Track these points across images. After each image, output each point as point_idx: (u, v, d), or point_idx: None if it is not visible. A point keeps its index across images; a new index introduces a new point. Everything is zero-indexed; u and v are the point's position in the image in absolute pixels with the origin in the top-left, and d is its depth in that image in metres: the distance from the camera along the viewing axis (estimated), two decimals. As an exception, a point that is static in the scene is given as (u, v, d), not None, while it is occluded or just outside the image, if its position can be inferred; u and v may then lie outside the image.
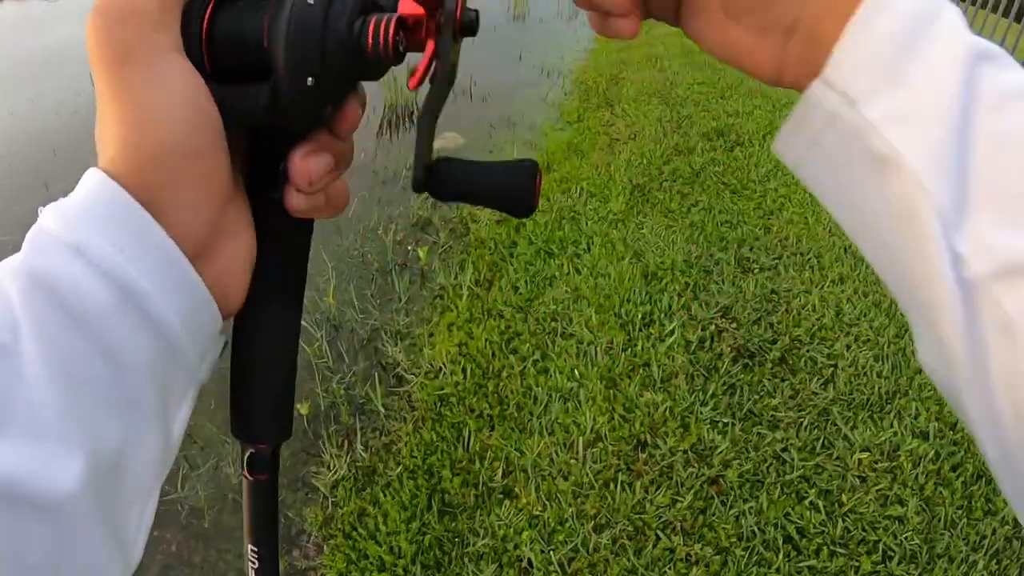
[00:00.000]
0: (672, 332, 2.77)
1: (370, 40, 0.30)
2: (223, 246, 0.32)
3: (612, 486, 2.21)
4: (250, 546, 0.40)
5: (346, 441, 2.57)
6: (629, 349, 2.71)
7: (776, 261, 3.26)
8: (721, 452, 2.29)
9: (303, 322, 2.86)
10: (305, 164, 0.33)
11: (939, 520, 2.05)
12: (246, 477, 0.38)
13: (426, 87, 0.34)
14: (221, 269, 0.31)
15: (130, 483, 0.28)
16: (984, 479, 2.18)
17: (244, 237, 0.33)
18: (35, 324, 0.25)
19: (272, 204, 0.34)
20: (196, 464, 2.50)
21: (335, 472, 2.43)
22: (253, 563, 0.39)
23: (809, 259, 3.29)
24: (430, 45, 0.33)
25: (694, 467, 2.26)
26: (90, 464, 0.25)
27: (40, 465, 0.23)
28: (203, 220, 0.30)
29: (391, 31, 0.30)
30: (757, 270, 3.19)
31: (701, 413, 2.46)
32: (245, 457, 0.38)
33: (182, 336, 0.29)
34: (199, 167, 0.29)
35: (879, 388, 2.60)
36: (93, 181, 0.27)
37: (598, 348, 2.71)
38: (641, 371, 2.61)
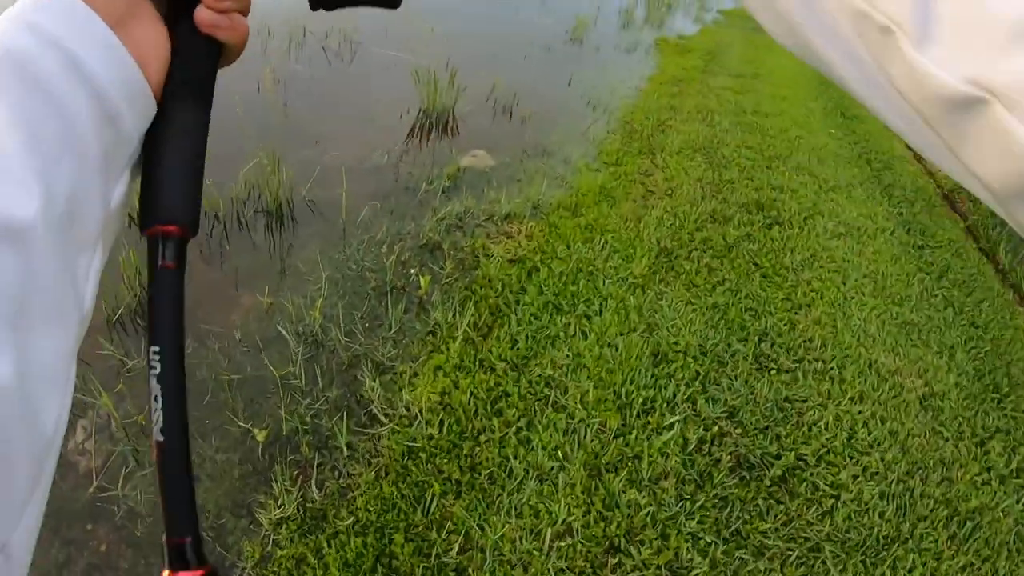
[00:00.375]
0: (672, 426, 2.56)
1: None
2: (136, 27, 0.38)
3: (573, 597, 1.99)
4: (152, 348, 0.39)
5: (300, 477, 2.36)
6: (622, 437, 2.49)
7: (796, 364, 3.04)
8: (697, 575, 2.08)
9: (282, 330, 2.61)
10: None
11: None
12: (154, 268, 0.40)
13: None
14: (138, 41, 0.38)
15: (77, 230, 0.34)
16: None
17: (156, 27, 0.40)
18: (20, 92, 0.32)
19: (188, 21, 0.42)
20: (143, 463, 2.31)
21: (282, 508, 2.23)
22: (154, 368, 0.39)
23: (831, 368, 3.06)
24: None
25: (666, 592, 2.04)
26: (45, 202, 0.31)
27: (5, 198, 0.29)
28: (117, 3, 0.37)
29: None
30: (774, 371, 2.97)
31: (685, 525, 2.24)
32: (158, 248, 0.40)
33: (117, 100, 0.36)
34: None
35: (879, 531, 2.39)
36: None
37: (589, 428, 2.49)
38: (630, 465, 2.39)
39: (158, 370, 0.38)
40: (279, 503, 2.23)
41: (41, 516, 0.33)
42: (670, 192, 4.58)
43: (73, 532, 2.16)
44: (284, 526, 2.17)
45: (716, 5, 13.84)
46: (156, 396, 0.38)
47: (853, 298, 3.69)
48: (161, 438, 0.38)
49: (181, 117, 0.41)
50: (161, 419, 0.38)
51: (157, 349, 0.39)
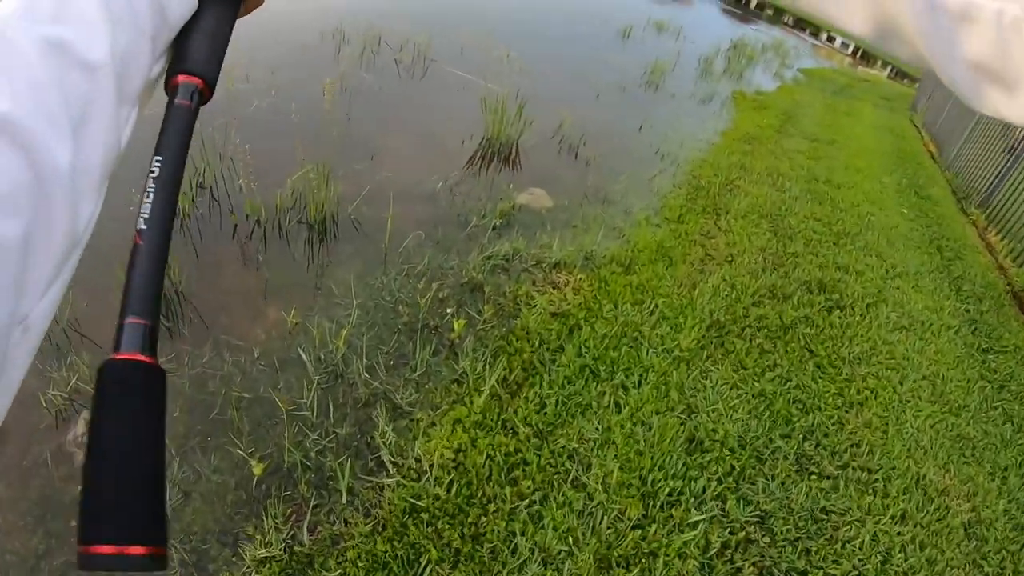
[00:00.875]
0: (696, 525, 2.35)
1: None
2: None
3: None
4: (156, 157, 0.44)
5: (294, 515, 2.23)
6: (641, 529, 2.30)
7: (839, 471, 2.80)
8: None
9: (303, 354, 2.43)
10: None
11: None
12: (172, 104, 0.47)
13: None
14: None
15: (125, 84, 0.43)
16: None
17: None
18: None
19: None
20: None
21: (268, 547, 2.10)
22: (153, 172, 0.43)
23: (875, 480, 2.82)
24: None
25: None
26: (111, 52, 0.42)
27: (85, 39, 0.40)
28: None
29: None
30: (815, 475, 2.74)
31: (694, 643, 2.03)
32: (180, 90, 0.48)
33: None
34: None
35: None
36: None
37: (607, 514, 2.31)
38: (644, 562, 2.20)
39: (156, 173, 0.43)
40: (266, 540, 2.11)
41: (58, 303, 0.38)
42: (730, 259, 4.37)
43: (56, 524, 2.07)
44: (267, 566, 2.04)
45: (797, 63, 13.55)
46: (148, 193, 0.42)
47: (909, 402, 3.43)
48: (143, 227, 0.41)
49: (213, 11, 0.51)
50: (148, 211, 0.42)
51: (160, 159, 0.44)
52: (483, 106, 5.27)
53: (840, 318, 3.99)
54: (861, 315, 4.10)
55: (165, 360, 2.74)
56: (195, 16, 0.51)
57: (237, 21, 0.56)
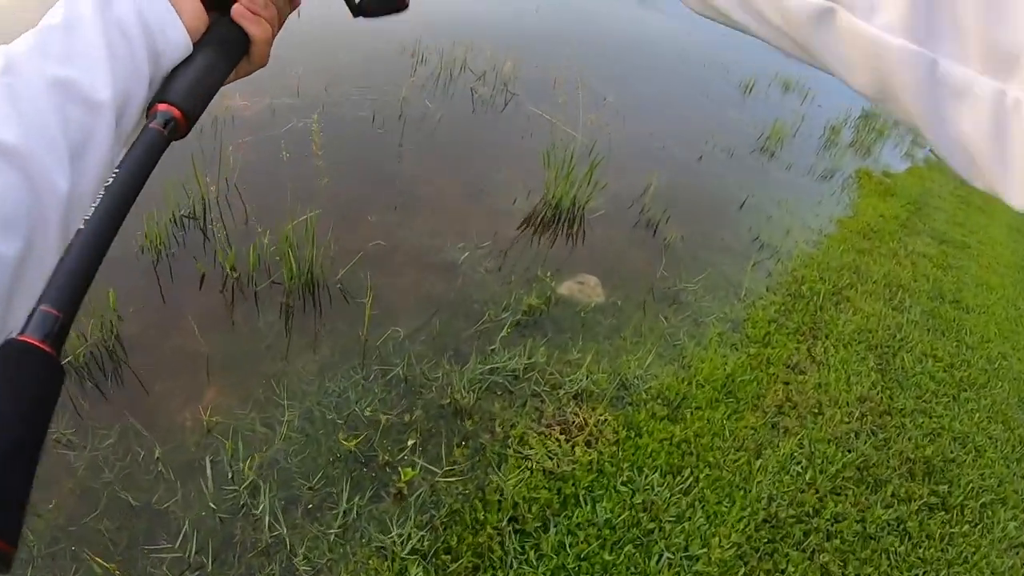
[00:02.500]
0: None
1: None
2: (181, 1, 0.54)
3: None
4: (115, 168, 0.46)
5: None
6: None
7: None
8: None
9: (208, 470, 1.69)
10: None
11: None
12: (147, 127, 0.50)
13: None
14: (176, 3, 0.53)
15: (123, 127, 0.50)
16: None
17: (192, 2, 0.55)
18: (99, 18, 0.49)
19: (226, 9, 0.58)
20: None
21: None
22: (108, 181, 0.45)
23: None
24: None
25: None
26: (113, 94, 0.48)
27: (94, 82, 0.47)
28: None
29: None
30: None
31: None
32: (157, 117, 0.51)
33: (164, 46, 0.52)
34: None
35: None
36: None
37: None
38: None
39: (108, 183, 0.44)
40: None
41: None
42: (817, 411, 3.44)
43: None
44: None
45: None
46: (96, 198, 0.43)
47: None
48: (80, 226, 0.42)
49: (205, 56, 0.55)
50: (90, 214, 0.42)
51: (116, 171, 0.45)
52: (544, 160, 4.48)
53: (941, 523, 2.99)
54: (971, 522, 3.08)
55: (70, 426, 2.30)
56: (188, 57, 0.55)
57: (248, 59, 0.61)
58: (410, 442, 2.54)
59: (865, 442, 3.33)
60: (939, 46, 0.31)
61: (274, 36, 0.62)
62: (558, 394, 2.99)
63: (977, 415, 3.87)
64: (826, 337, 4.15)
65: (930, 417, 3.71)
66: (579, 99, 6.00)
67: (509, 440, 2.68)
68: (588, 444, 2.76)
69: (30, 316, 0.37)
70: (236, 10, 0.58)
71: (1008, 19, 0.29)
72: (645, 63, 7.86)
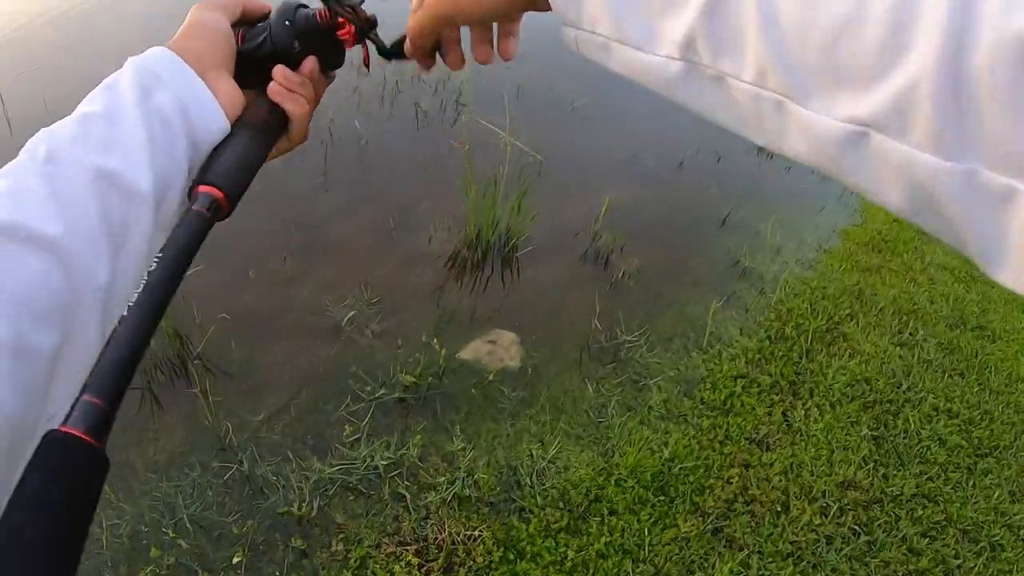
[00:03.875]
0: None
1: (317, 15, 0.61)
2: (216, 78, 0.58)
3: None
4: (158, 254, 0.46)
5: None
6: None
7: None
8: None
9: None
10: (281, 70, 0.61)
11: None
12: (189, 211, 0.52)
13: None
14: (214, 86, 0.57)
15: (163, 212, 0.52)
16: None
17: (230, 82, 0.59)
18: (139, 108, 0.51)
19: (263, 87, 0.62)
20: None
21: None
22: (151, 266, 0.46)
23: None
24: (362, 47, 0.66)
25: None
26: (152, 184, 0.50)
27: (135, 176, 0.49)
28: (202, 62, 0.57)
29: (325, 8, 0.60)
30: None
31: None
32: (199, 199, 0.53)
33: (202, 131, 0.55)
34: (210, 52, 0.59)
35: None
36: (162, 49, 0.56)
37: None
38: None
39: (152, 267, 0.45)
40: None
41: None
42: (781, 509, 2.73)
43: None
44: None
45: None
46: (140, 284, 0.44)
47: None
48: (124, 313, 0.42)
49: (243, 136, 0.57)
50: (134, 299, 0.43)
51: (160, 256, 0.46)
52: (465, 188, 3.82)
53: None
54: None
55: None
56: (227, 138, 0.57)
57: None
58: (235, 559, 1.98)
59: (840, 551, 2.61)
60: (975, 157, 0.30)
61: (311, 112, 0.64)
62: (426, 499, 2.37)
63: (997, 493, 3.09)
64: (810, 394, 3.41)
65: (935, 503, 2.96)
66: (543, 106, 5.30)
67: (349, 563, 2.06)
68: (447, 572, 2.12)
69: (73, 406, 0.37)
70: (272, 88, 0.61)
71: None
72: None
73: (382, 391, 2.94)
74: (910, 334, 4.07)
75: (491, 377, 3.10)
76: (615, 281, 3.89)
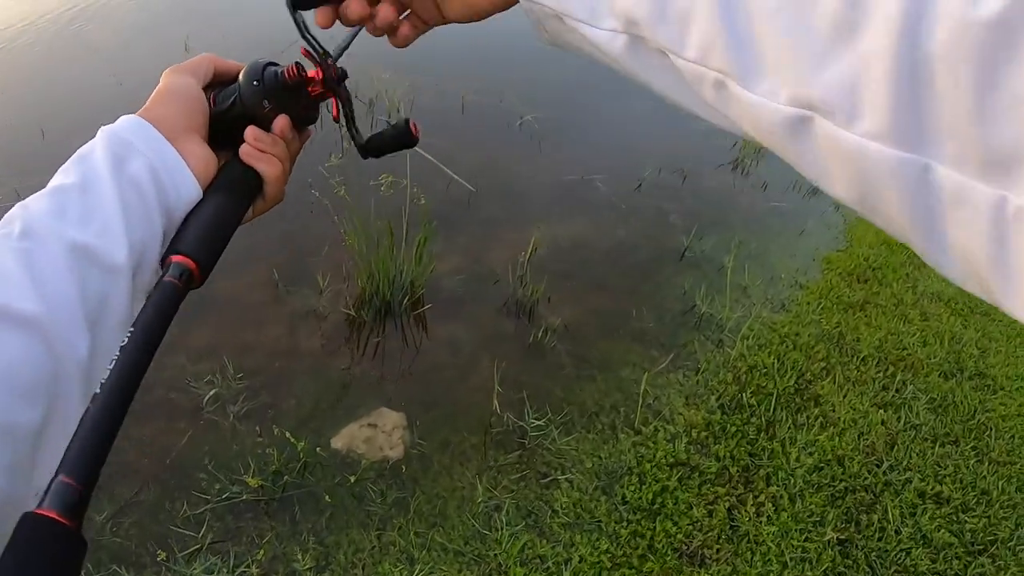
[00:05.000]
0: None
1: (285, 72, 0.60)
2: (187, 143, 0.58)
3: None
4: (131, 328, 0.45)
5: None
6: None
7: None
8: None
9: None
10: (252, 131, 0.61)
11: None
12: (161, 280, 0.51)
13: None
14: (185, 151, 0.57)
15: (139, 278, 0.53)
16: None
17: (202, 147, 0.59)
18: (113, 178, 0.52)
19: (235, 150, 0.61)
20: None
21: None
22: (123, 341, 0.44)
23: None
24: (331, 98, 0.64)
25: None
26: (128, 254, 0.50)
27: (110, 247, 0.50)
28: (174, 128, 0.57)
29: (293, 65, 0.60)
30: None
31: None
32: (171, 269, 0.53)
33: (175, 198, 0.56)
34: (181, 117, 0.59)
35: None
36: (133, 117, 0.57)
37: None
38: None
39: (124, 343, 0.44)
40: None
41: None
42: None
43: None
44: None
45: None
46: (112, 360, 0.43)
47: None
48: (97, 391, 0.41)
49: (216, 200, 0.57)
50: (105, 377, 0.42)
51: (132, 330, 0.45)
52: (356, 232, 3.24)
53: None
54: None
55: None
56: (200, 203, 0.57)
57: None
58: None
59: None
60: (930, 150, 0.28)
61: (287, 172, 0.64)
62: None
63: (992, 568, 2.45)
64: (766, 482, 2.80)
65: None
66: (487, 121, 4.70)
67: None
68: None
69: (48, 487, 0.37)
70: (244, 150, 0.60)
71: (1006, 118, 0.25)
72: (588, 67, 6.39)
73: (234, 488, 2.45)
74: (897, 390, 3.42)
75: (364, 472, 2.55)
76: (534, 341, 3.29)
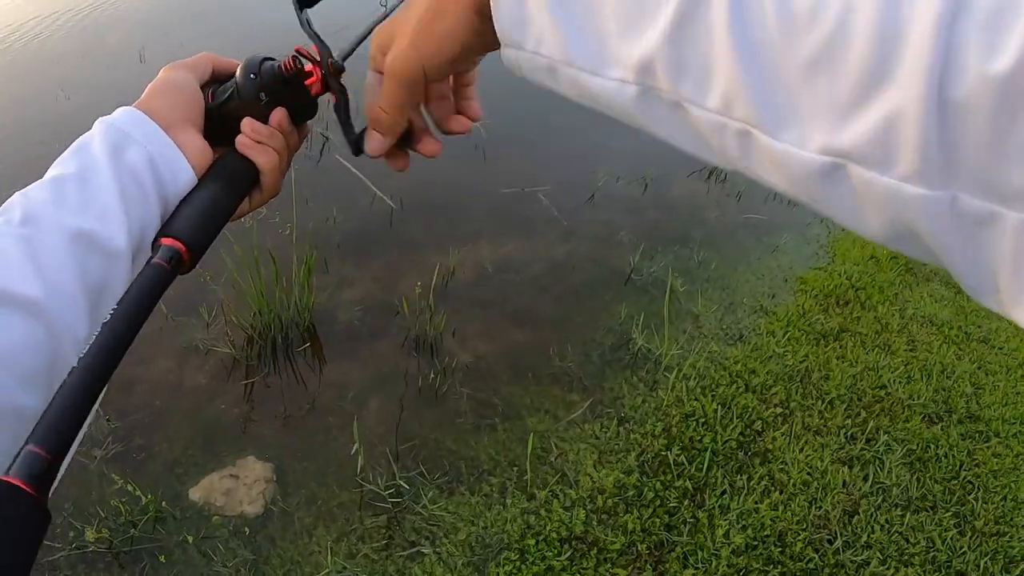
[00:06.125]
0: None
1: (282, 66, 0.59)
2: (182, 133, 0.58)
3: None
4: (114, 306, 0.45)
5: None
6: None
7: None
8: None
9: None
10: (249, 122, 0.60)
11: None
12: (149, 262, 0.51)
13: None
14: (181, 141, 0.57)
15: (140, 260, 0.54)
16: None
17: (197, 139, 0.59)
18: (111, 167, 0.53)
19: (231, 142, 0.61)
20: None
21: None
22: (106, 317, 0.44)
23: None
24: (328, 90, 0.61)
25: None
26: (128, 238, 0.51)
27: (111, 232, 0.51)
28: (169, 119, 0.58)
29: (290, 59, 0.58)
30: None
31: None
32: (160, 251, 0.52)
33: (171, 185, 0.56)
34: (177, 109, 0.59)
35: None
36: (129, 109, 0.58)
37: None
38: None
39: (107, 319, 0.44)
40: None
41: (66, 463, 0.40)
42: None
43: None
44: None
45: None
46: (92, 336, 0.43)
47: None
48: (75, 364, 0.41)
49: (210, 187, 0.57)
50: (84, 351, 0.42)
51: (115, 308, 0.44)
52: (237, 271, 2.84)
53: None
54: None
55: None
56: (193, 190, 0.57)
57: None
58: None
59: None
60: (958, 185, 0.30)
61: (284, 164, 0.63)
62: None
63: None
64: (682, 563, 2.30)
65: None
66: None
67: None
68: None
69: (17, 455, 0.37)
70: (240, 140, 0.60)
71: (1017, 157, 0.28)
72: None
73: (85, 537, 2.21)
74: (868, 441, 2.87)
75: (215, 528, 2.18)
76: (430, 383, 2.83)
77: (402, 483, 2.45)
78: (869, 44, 0.30)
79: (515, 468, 2.55)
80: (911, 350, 3.39)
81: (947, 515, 2.60)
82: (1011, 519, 2.62)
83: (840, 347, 3.35)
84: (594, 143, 4.42)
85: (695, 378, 3.00)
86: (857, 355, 3.31)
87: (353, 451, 2.50)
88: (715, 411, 2.86)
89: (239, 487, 2.42)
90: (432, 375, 2.87)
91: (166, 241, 0.52)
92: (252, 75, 0.60)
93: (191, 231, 0.53)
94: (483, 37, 0.47)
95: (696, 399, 2.91)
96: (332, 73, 0.60)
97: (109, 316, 0.44)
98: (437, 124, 0.60)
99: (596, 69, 0.40)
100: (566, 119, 4.52)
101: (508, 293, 3.32)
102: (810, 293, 3.67)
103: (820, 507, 2.55)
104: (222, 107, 0.62)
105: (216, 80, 0.64)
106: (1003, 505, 2.67)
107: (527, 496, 2.46)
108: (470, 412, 2.77)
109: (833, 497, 2.59)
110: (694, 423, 2.80)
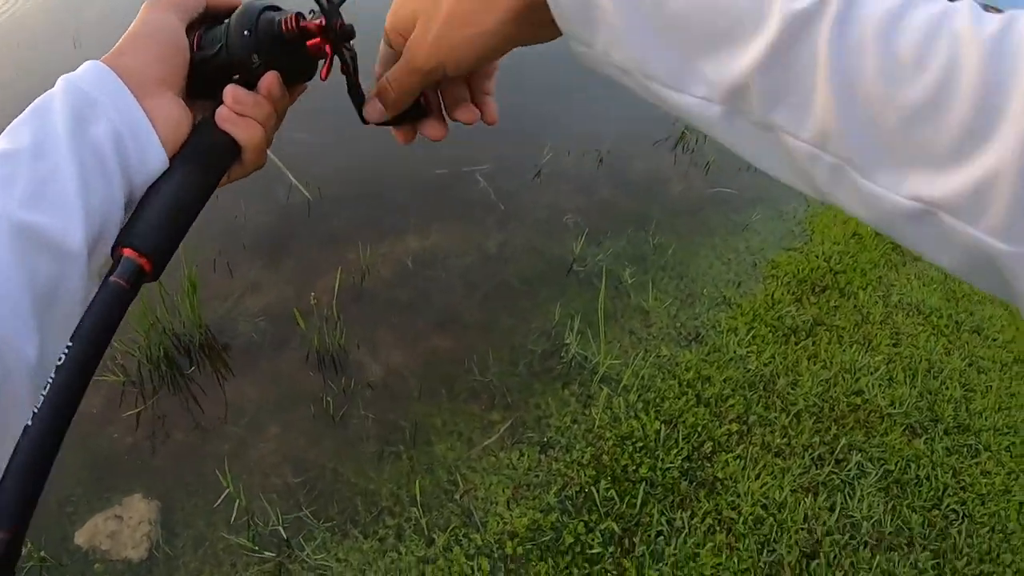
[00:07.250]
0: None
1: (283, 24, 0.49)
2: (158, 97, 0.48)
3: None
4: (68, 343, 0.40)
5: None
6: None
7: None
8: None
9: None
10: (232, 92, 0.50)
11: None
12: (107, 279, 0.42)
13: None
14: (159, 113, 0.47)
15: (101, 249, 0.44)
16: None
17: (177, 105, 0.49)
18: (72, 143, 0.43)
19: (211, 112, 0.51)
20: None
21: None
22: (59, 360, 0.39)
23: None
24: (328, 50, 0.50)
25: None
26: (87, 230, 0.42)
27: (67, 227, 0.41)
28: (144, 80, 0.47)
29: (292, 16, 0.49)
30: None
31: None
32: (115, 265, 0.43)
33: (137, 164, 0.46)
34: (154, 67, 0.49)
35: None
36: (98, 65, 0.47)
37: None
38: None
39: (60, 361, 0.39)
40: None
41: None
42: None
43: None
44: None
45: None
46: (47, 383, 0.38)
47: None
48: (28, 423, 0.37)
49: (181, 175, 0.48)
50: (39, 405, 0.37)
51: (70, 345, 0.39)
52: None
53: None
54: None
55: None
56: (162, 178, 0.48)
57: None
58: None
59: None
60: None
61: (269, 135, 0.54)
62: None
63: None
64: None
65: None
66: (349, 108, 3.76)
67: None
68: None
69: None
70: (220, 113, 0.51)
71: None
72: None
73: None
74: (838, 462, 2.47)
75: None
76: (327, 406, 2.44)
77: (282, 528, 2.09)
78: (972, 102, 0.29)
79: (416, 507, 2.17)
80: (895, 345, 2.96)
81: (924, 554, 2.21)
82: (997, 556, 2.22)
83: (813, 344, 2.93)
84: (543, 113, 3.96)
85: (637, 390, 2.60)
86: (832, 354, 2.89)
87: (222, 497, 2.13)
88: (657, 432, 2.46)
89: (123, 529, 2.15)
90: (335, 394, 2.48)
91: (127, 252, 0.44)
92: (246, 32, 0.50)
93: (155, 238, 0.45)
94: (529, 29, 0.43)
95: (635, 417, 2.51)
96: (340, 36, 0.51)
97: (63, 357, 0.38)
98: (445, 108, 0.54)
99: (679, 86, 0.38)
100: (512, 84, 4.03)
101: (430, 293, 2.91)
102: (782, 280, 3.23)
103: (773, 551, 2.16)
104: (208, 61, 0.52)
105: (211, 16, 0.54)
106: (990, 539, 2.27)
107: (426, 541, 2.09)
108: (373, 438, 2.40)
109: (790, 537, 2.20)
110: (630, 448, 2.40)
